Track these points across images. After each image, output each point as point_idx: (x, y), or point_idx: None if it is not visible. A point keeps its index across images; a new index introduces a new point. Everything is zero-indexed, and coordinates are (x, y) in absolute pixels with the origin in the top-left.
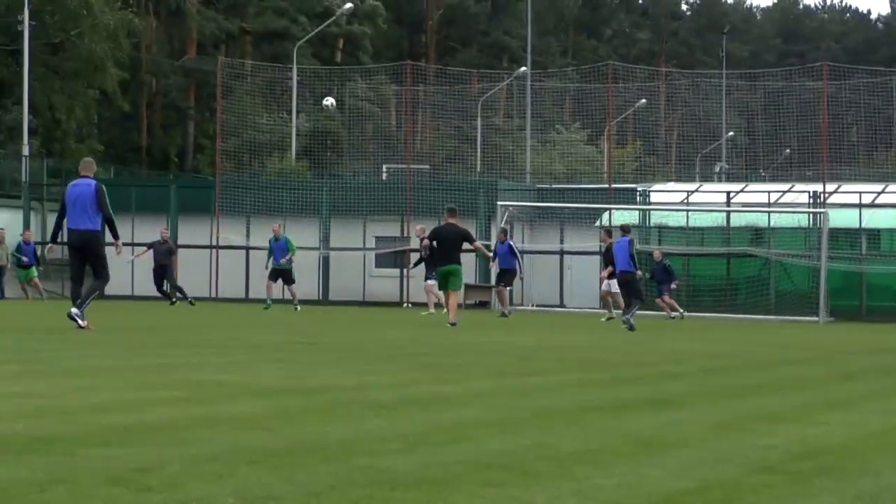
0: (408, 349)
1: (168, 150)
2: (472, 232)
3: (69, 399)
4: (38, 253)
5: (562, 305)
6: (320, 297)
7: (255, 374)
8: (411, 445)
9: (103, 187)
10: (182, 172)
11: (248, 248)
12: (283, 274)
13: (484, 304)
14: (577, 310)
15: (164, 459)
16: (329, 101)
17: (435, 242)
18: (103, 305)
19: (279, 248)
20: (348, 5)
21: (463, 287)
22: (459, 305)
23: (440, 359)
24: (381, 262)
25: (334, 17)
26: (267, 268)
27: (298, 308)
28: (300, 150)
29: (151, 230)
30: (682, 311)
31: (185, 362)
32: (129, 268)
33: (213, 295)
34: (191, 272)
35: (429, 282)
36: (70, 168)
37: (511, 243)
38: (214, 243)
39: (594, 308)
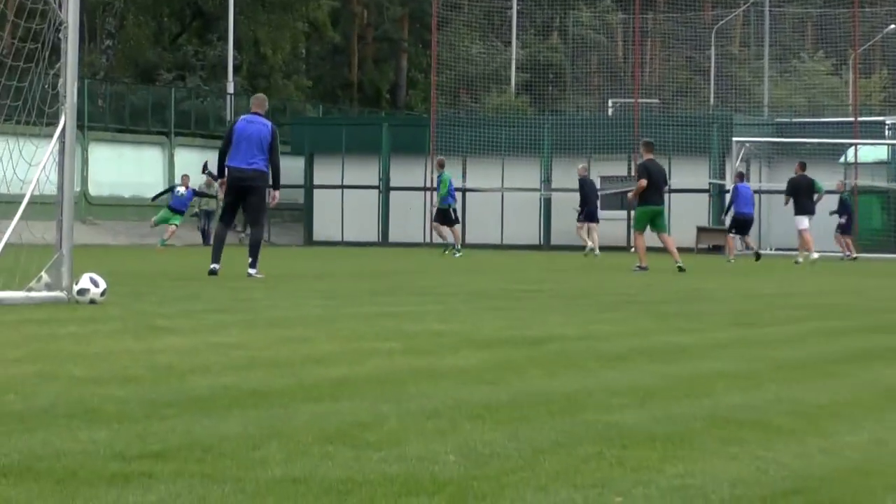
0: (638, 296)
1: (380, 86)
2: (707, 171)
3: (281, 350)
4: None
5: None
6: (541, 242)
7: (476, 323)
8: (643, 399)
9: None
10: (395, 110)
11: (464, 191)
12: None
13: (718, 248)
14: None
15: (381, 415)
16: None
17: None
18: (311, 252)
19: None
20: None
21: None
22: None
23: (673, 307)
24: (607, 203)
25: None
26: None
27: (459, 253)
28: (520, 84)
29: (362, 172)
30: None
31: (400, 311)
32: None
33: (428, 240)
34: (405, 216)
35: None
36: (279, 105)
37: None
38: (429, 185)
39: (829, 251)
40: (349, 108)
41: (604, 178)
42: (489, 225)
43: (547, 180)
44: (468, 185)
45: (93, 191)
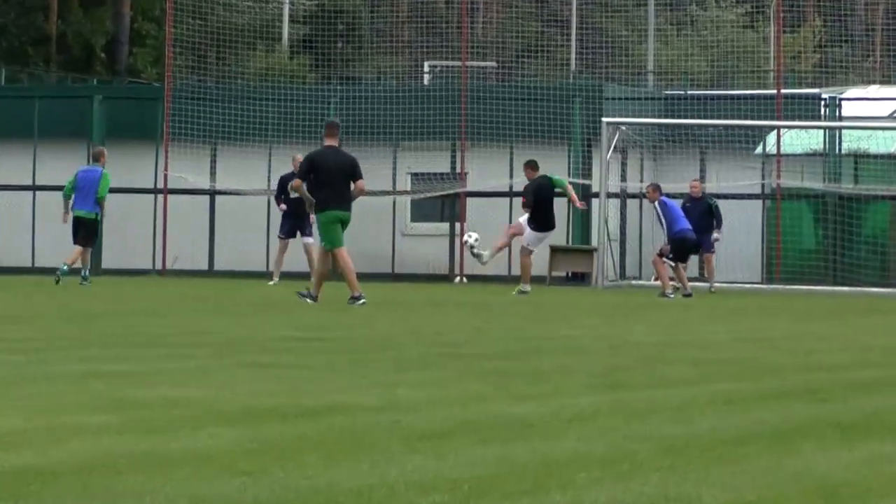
0: (464, 347)
1: (91, 42)
2: (565, 165)
3: None
4: None
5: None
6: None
7: (228, 387)
8: (468, 498)
9: None
10: (112, 76)
11: (213, 192)
12: None
13: (580, 277)
14: (727, 284)
15: None
16: None
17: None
18: None
19: None
20: None
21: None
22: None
23: (514, 362)
24: (420, 213)
25: None
26: None
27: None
28: (295, 40)
29: (65, 165)
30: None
31: (119, 369)
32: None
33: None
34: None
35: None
36: None
37: (656, 204)
38: (161, 186)
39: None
40: (45, 73)
41: (416, 177)
42: (250, 241)
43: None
44: (218, 185)
45: None
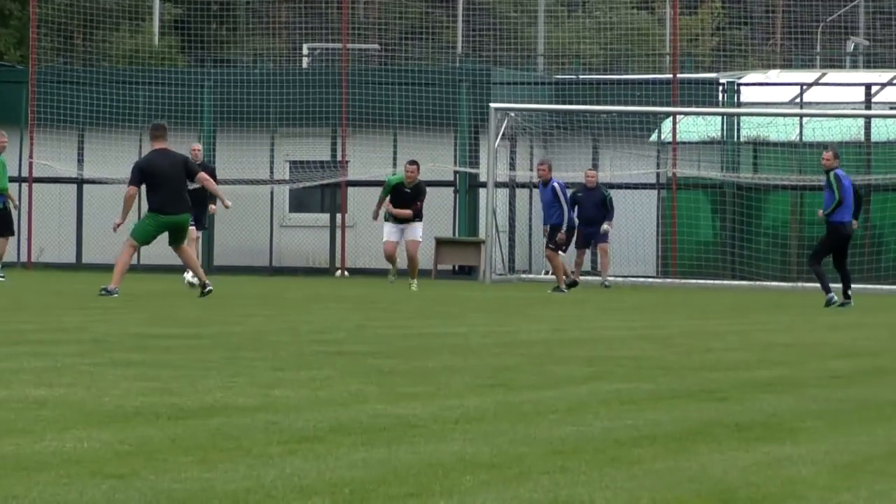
0: (345, 344)
1: None
2: (451, 153)
3: None
4: None
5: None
6: (204, 258)
7: (97, 386)
8: (347, 500)
9: None
10: None
11: (80, 181)
12: None
13: (467, 271)
14: (621, 279)
15: None
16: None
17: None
18: None
19: None
20: None
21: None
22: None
23: (397, 361)
24: (300, 203)
25: None
26: None
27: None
28: (167, 20)
29: None
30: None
31: None
32: None
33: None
34: None
35: None
36: None
37: (557, 184)
38: (26, 174)
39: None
40: None
41: (295, 165)
42: (121, 233)
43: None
44: (86, 173)
45: None
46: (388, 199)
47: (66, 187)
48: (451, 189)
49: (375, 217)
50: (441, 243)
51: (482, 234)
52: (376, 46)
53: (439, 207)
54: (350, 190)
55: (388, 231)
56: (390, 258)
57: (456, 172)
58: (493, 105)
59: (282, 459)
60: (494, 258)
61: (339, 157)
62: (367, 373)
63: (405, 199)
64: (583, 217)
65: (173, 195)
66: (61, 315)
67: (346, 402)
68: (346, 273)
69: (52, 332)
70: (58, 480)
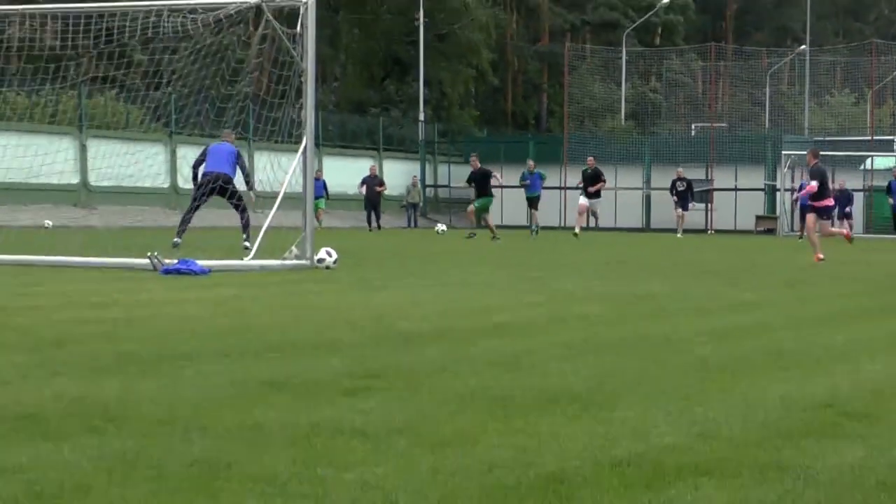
0: (712, 266)
1: (527, 115)
2: (763, 175)
3: (460, 303)
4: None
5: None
6: (643, 227)
7: (597, 283)
8: (720, 339)
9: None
10: (538, 132)
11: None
12: (533, 201)
13: (770, 231)
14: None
15: (529, 349)
16: (441, 227)
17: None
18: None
19: (534, 179)
20: (665, 0)
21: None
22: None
23: (738, 275)
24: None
25: (655, 10)
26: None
27: (537, 233)
28: (628, 113)
29: (514, 178)
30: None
31: (541, 275)
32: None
33: (562, 224)
34: (546, 209)
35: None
36: (455, 129)
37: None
38: (562, 185)
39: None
40: (505, 131)
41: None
42: (604, 214)
43: (647, 181)
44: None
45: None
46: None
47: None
48: (762, 192)
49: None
50: (758, 218)
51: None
52: (725, 124)
53: (758, 200)
54: None
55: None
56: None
57: (765, 184)
58: (783, 152)
59: (686, 320)
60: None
61: (708, 177)
62: (726, 282)
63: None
64: None
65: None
66: (583, 253)
67: (716, 295)
68: None
69: (579, 260)
70: (582, 327)
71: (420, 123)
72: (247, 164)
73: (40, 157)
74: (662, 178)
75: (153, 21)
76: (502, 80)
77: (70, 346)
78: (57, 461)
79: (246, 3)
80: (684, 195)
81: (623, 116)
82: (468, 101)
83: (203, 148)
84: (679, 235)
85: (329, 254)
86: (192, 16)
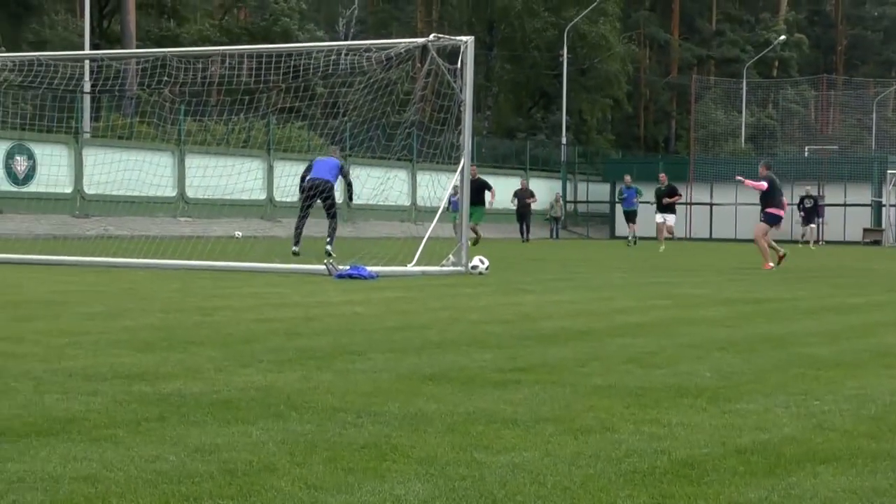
0: (819, 272)
1: (657, 138)
2: (869, 192)
3: (596, 305)
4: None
5: None
6: None
7: (720, 289)
8: (831, 339)
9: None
10: (667, 153)
11: (711, 205)
12: (630, 215)
13: (876, 242)
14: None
15: (661, 346)
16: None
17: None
18: (610, 243)
19: (630, 194)
20: (782, 38)
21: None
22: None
23: (847, 279)
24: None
25: (772, 46)
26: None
27: (635, 243)
28: (747, 136)
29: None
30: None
31: (667, 281)
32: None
33: (689, 236)
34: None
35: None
36: (593, 151)
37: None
38: (689, 201)
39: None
40: (638, 153)
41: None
42: (726, 226)
43: None
44: (714, 200)
45: None
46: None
47: (720, 208)
48: (869, 207)
49: None
50: (865, 230)
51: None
52: (836, 147)
53: (865, 215)
54: None
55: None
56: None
57: (872, 200)
58: (889, 171)
59: (800, 321)
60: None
61: (820, 192)
62: (832, 285)
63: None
64: None
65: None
66: (698, 257)
67: (825, 297)
68: None
69: (697, 266)
70: (706, 328)
71: (562, 146)
72: (351, 178)
73: (234, 176)
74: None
75: (333, 59)
76: (635, 107)
77: (257, 342)
78: (247, 443)
79: (414, 43)
80: (812, 211)
81: (743, 140)
82: (605, 127)
83: (310, 162)
84: (812, 247)
85: (482, 261)
86: (366, 54)
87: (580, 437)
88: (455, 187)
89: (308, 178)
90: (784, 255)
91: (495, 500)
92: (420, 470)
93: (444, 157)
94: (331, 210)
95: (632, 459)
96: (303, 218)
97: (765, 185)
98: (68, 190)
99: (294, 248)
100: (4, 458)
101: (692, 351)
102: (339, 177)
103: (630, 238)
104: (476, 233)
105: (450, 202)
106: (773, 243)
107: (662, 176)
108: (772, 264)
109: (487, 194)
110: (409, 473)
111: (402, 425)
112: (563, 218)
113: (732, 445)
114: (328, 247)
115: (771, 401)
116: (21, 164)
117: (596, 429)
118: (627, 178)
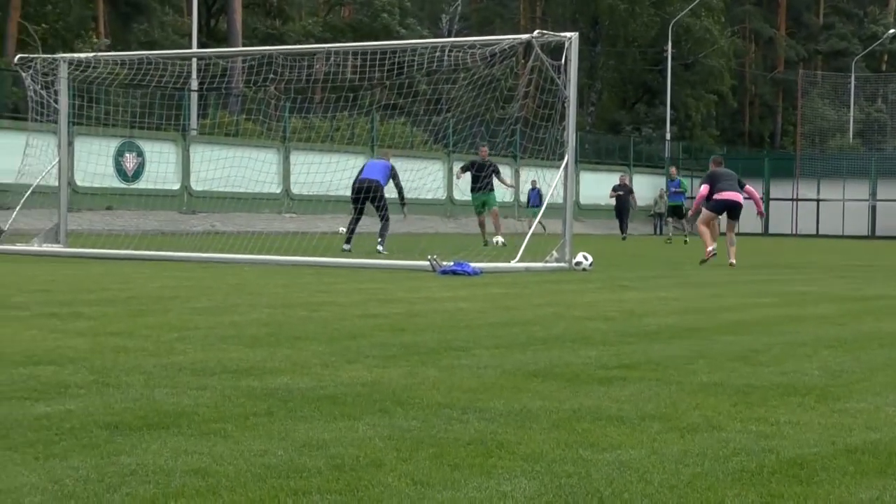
0: None
1: (762, 134)
2: None
3: (702, 302)
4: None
5: None
6: (868, 234)
7: (828, 286)
8: None
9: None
10: (772, 149)
11: (818, 201)
12: (676, 210)
13: None
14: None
15: (768, 344)
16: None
17: None
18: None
19: (674, 186)
20: (892, 31)
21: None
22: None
23: None
24: None
25: (881, 39)
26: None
27: (687, 241)
28: (855, 131)
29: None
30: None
31: (772, 278)
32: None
33: (795, 232)
34: (779, 218)
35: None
36: (697, 146)
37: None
38: (795, 197)
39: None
40: (743, 149)
41: None
42: (833, 223)
43: (873, 194)
44: (821, 196)
45: (582, 200)
46: None
47: (811, 203)
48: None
49: None
50: None
51: None
52: None
53: None
54: None
55: None
56: None
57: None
58: None
59: None
60: None
61: None
62: None
63: None
64: None
65: None
66: (808, 255)
67: None
68: None
69: (805, 263)
70: (814, 326)
71: (666, 142)
72: (401, 181)
73: (339, 172)
74: (887, 190)
75: (437, 56)
76: (740, 103)
77: (362, 337)
78: (353, 438)
79: (518, 39)
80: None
81: (851, 135)
82: (709, 122)
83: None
84: None
85: (585, 257)
86: (470, 51)
87: (686, 436)
88: (533, 181)
89: (358, 178)
90: (713, 253)
91: (602, 497)
92: (526, 467)
93: (548, 153)
94: (381, 211)
95: (739, 458)
96: (356, 220)
97: (706, 188)
98: (176, 187)
99: (345, 246)
100: (117, 451)
101: (800, 349)
102: (390, 179)
103: (670, 235)
104: (487, 226)
105: (528, 197)
106: (710, 235)
107: (673, 170)
108: (711, 248)
109: (505, 178)
110: (516, 470)
111: (507, 422)
112: (666, 214)
113: (842, 444)
114: (379, 247)
115: (881, 399)
116: (130, 161)
117: (702, 427)
118: (673, 170)
